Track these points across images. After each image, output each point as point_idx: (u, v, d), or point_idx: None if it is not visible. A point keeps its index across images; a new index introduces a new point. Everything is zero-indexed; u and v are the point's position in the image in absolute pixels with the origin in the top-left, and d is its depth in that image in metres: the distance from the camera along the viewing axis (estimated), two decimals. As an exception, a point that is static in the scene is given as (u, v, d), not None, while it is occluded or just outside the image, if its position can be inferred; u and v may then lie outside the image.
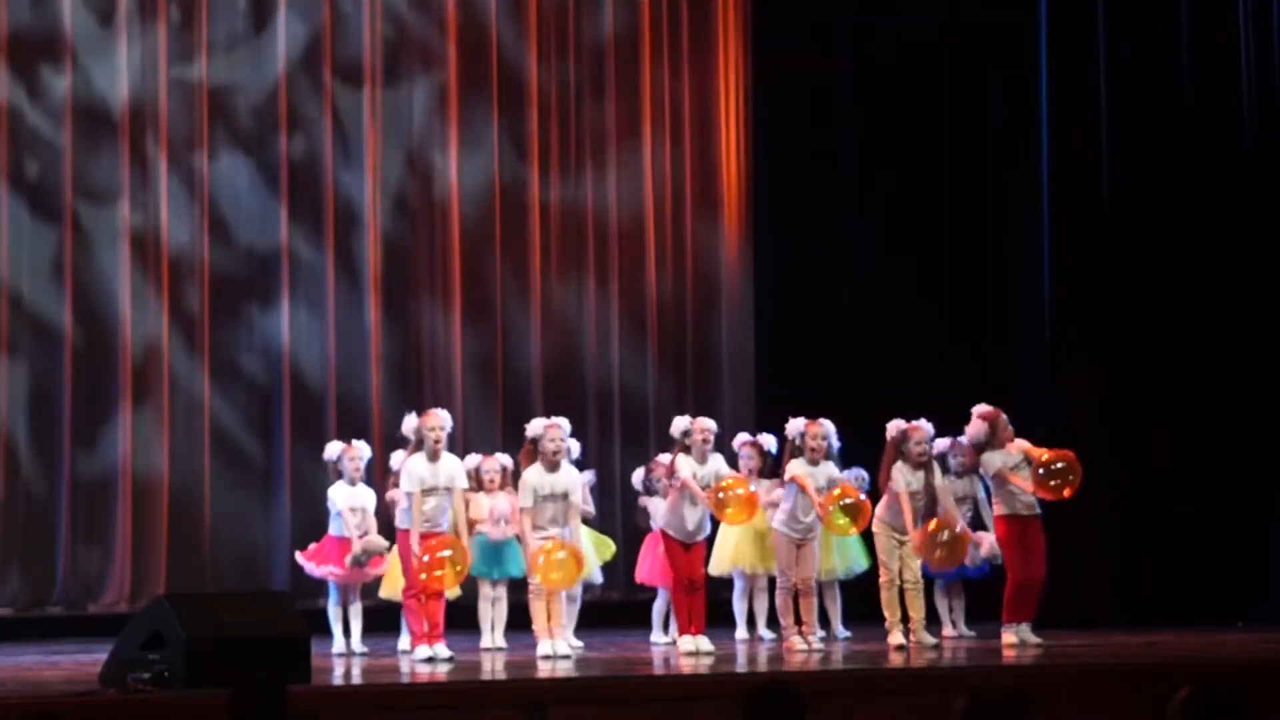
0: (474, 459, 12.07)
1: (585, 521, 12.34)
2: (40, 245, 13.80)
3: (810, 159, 14.94)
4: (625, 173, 14.96)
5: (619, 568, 13.04)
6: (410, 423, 11.21)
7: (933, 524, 11.35)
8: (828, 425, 11.55)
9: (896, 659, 10.92)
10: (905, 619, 11.50)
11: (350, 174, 14.40)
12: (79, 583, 13.68)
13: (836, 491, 11.26)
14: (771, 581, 12.32)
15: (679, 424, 11.53)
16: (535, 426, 11.29)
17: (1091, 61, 13.66)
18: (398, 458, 11.52)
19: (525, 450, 11.28)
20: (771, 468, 12.24)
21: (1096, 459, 13.23)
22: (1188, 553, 13.25)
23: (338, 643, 11.73)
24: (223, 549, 13.79)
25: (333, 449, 11.99)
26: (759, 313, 15.05)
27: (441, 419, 11.14)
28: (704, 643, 11.25)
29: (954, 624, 12.53)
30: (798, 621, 11.42)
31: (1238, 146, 13.48)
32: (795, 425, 11.56)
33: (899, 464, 11.47)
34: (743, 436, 12.48)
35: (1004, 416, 11.62)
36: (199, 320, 14.00)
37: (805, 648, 11.26)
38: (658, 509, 12.13)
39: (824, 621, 12.42)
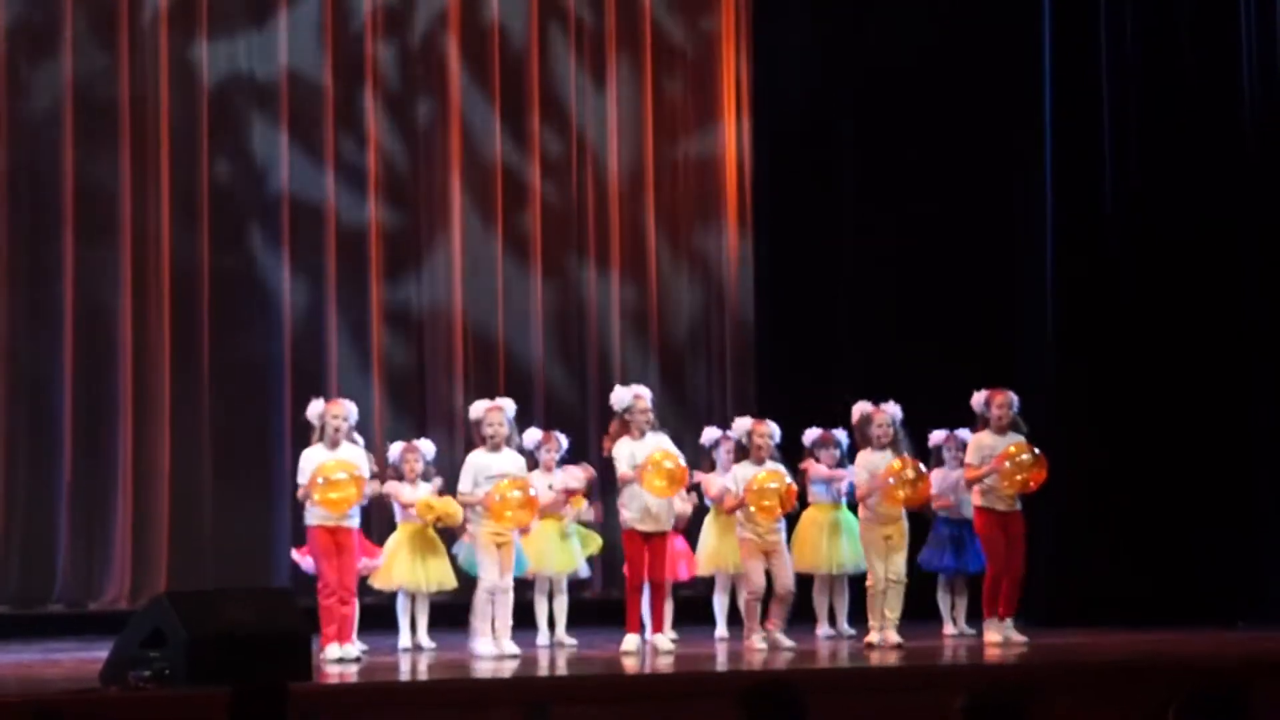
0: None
1: (581, 522, 12.40)
2: (40, 244, 13.80)
3: (811, 159, 14.93)
4: (625, 170, 14.96)
5: (618, 565, 13.02)
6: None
7: (898, 463, 11.36)
8: (771, 426, 11.68)
9: (891, 657, 10.92)
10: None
11: (348, 171, 14.41)
12: (79, 580, 13.68)
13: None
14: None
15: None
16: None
17: (1094, 56, 13.64)
18: (396, 448, 11.87)
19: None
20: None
21: (1096, 458, 13.27)
22: (1188, 552, 13.23)
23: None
24: (223, 546, 13.78)
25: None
26: (759, 312, 15.05)
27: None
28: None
29: (955, 622, 12.52)
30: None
31: (1239, 143, 13.46)
32: (742, 424, 11.68)
33: (865, 450, 11.53)
34: (716, 433, 12.45)
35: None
36: (199, 319, 14.00)
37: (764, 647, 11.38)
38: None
39: (830, 617, 12.44)
